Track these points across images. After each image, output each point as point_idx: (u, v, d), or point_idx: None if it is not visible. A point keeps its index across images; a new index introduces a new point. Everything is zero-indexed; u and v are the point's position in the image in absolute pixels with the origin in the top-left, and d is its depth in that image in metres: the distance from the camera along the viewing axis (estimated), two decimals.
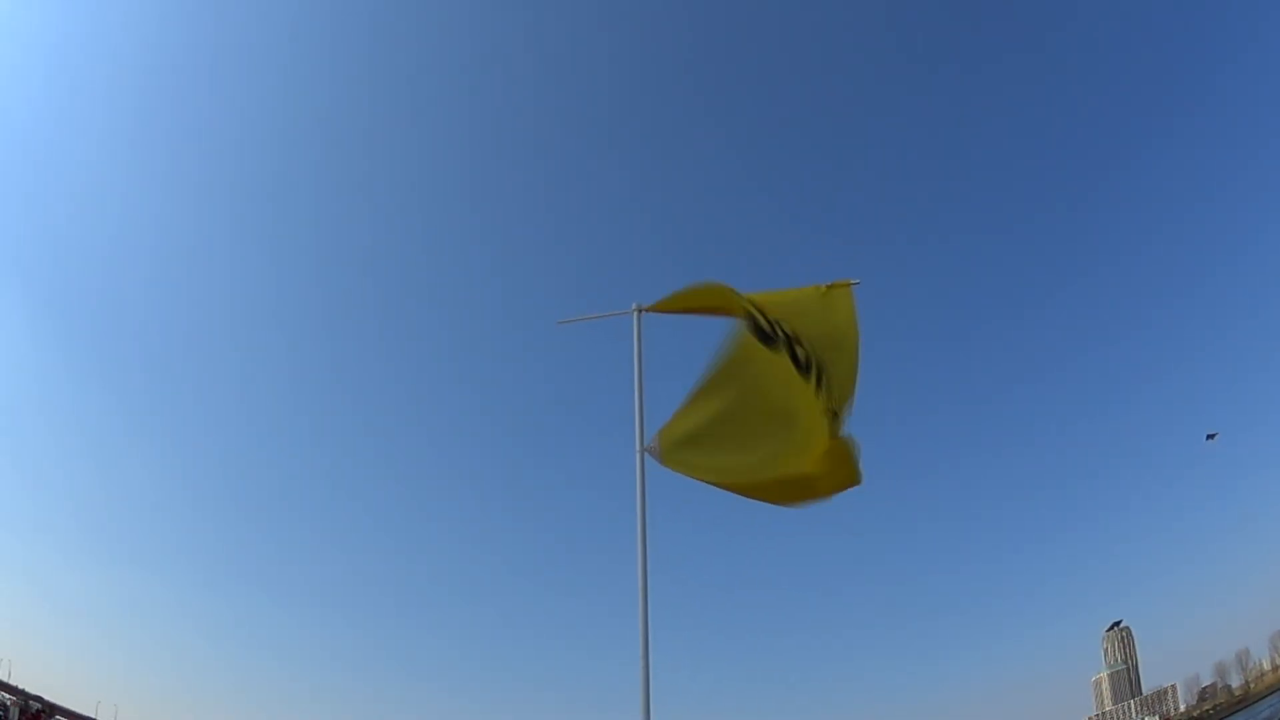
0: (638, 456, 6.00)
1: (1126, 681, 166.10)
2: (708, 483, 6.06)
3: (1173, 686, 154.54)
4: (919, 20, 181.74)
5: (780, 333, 6.02)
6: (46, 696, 67.79)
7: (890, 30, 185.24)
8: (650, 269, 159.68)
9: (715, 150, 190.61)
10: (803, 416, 5.99)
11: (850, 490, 6.02)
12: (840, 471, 5.98)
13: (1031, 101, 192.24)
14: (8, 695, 62.70)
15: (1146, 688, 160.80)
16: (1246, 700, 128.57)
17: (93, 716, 72.56)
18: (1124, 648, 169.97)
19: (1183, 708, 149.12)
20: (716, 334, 6.19)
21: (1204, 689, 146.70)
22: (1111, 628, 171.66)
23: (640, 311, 6.36)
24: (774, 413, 6.02)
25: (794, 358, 6.03)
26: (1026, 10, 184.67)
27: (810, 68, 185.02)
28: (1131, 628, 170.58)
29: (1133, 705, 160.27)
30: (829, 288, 6.25)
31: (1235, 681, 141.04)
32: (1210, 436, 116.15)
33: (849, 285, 6.24)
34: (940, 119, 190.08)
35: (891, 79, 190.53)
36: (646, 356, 6.31)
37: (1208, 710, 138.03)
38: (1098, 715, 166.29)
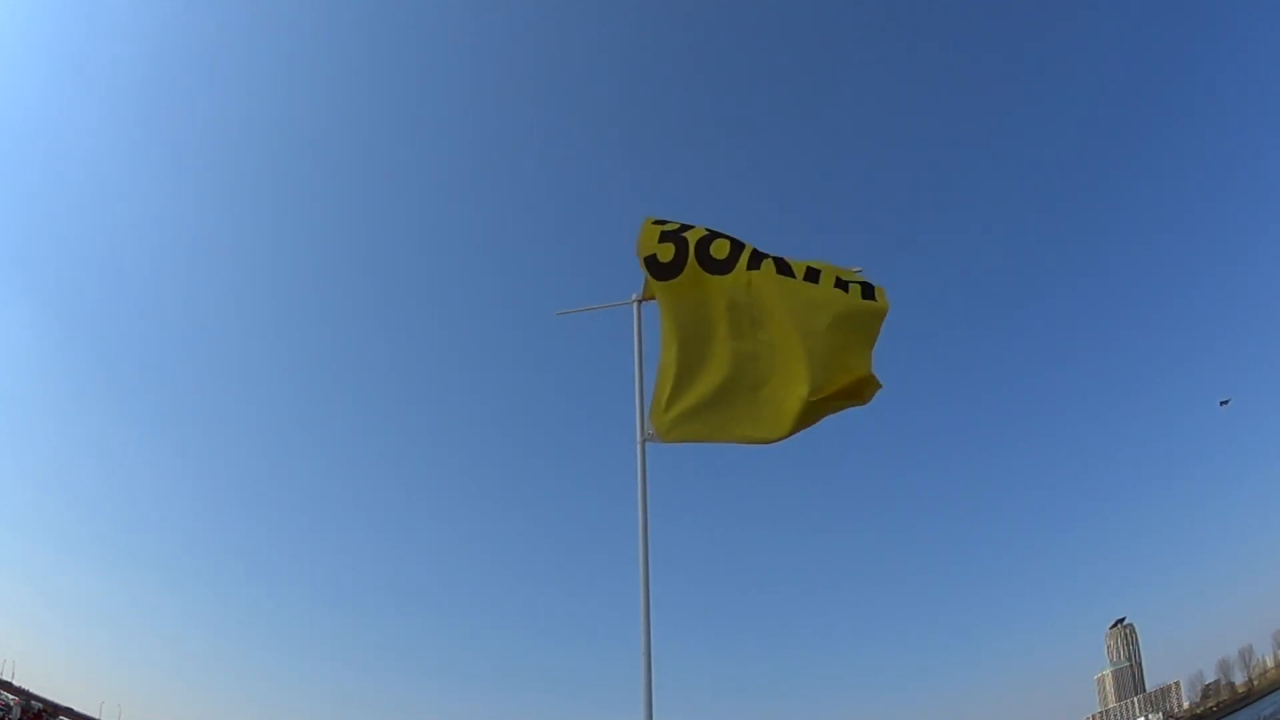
0: (638, 448, 5.96)
1: (1130, 679, 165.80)
2: (712, 441, 5.93)
3: (1176, 684, 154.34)
4: (922, 22, 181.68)
5: (738, 252, 5.83)
6: (49, 697, 67.92)
7: (894, 31, 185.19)
8: None
9: (716, 141, 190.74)
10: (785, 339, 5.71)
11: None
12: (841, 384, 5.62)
13: (1033, 99, 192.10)
14: (11, 695, 62.77)
15: (1150, 685, 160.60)
16: (1250, 697, 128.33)
17: (95, 717, 72.69)
18: (1127, 645, 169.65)
19: (1186, 705, 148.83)
20: None
21: (1207, 686, 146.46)
22: (1114, 625, 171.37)
23: (640, 302, 6.32)
24: (752, 348, 5.82)
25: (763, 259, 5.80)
26: (1027, 9, 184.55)
27: (814, 63, 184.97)
28: (1135, 625, 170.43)
29: (1136, 702, 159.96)
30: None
31: (1238, 679, 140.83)
32: (1223, 403, 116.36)
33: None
34: (946, 116, 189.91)
35: (894, 78, 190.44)
36: (647, 347, 6.27)
37: (1211, 708, 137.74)
38: (1101, 713, 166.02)
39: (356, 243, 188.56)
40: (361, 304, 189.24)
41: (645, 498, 5.87)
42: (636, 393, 6.08)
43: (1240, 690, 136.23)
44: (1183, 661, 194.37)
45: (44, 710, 65.64)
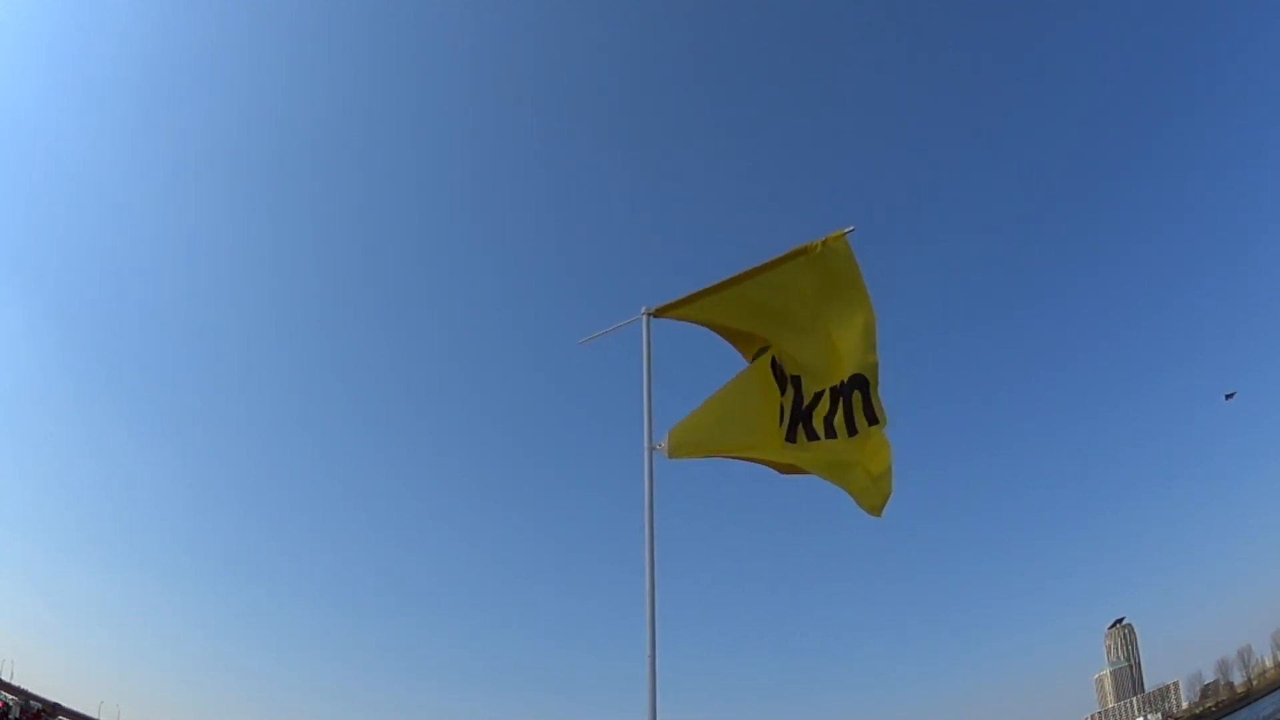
0: (646, 455, 5.96)
1: (1129, 679, 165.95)
2: (710, 456, 6.19)
3: (1175, 684, 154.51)
4: (922, 22, 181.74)
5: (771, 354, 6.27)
6: (48, 696, 67.80)
7: (894, 31, 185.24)
8: (657, 269, 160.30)
9: (716, 141, 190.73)
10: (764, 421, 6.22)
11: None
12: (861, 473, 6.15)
13: (1033, 99, 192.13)
14: (10, 695, 62.66)
15: (1149, 685, 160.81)
16: (1249, 697, 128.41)
17: (94, 716, 72.60)
18: (1126, 645, 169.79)
19: (1185, 705, 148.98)
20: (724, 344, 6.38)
21: (1206, 686, 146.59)
22: (1114, 625, 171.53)
23: (648, 315, 6.34)
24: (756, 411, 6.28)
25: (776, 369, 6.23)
26: (1027, 9, 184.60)
27: (814, 63, 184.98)
28: (1134, 625, 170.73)
29: (1135, 702, 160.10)
30: (823, 244, 5.94)
31: (1237, 679, 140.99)
32: (1229, 396, 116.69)
33: (842, 237, 5.92)
34: (945, 117, 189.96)
35: (894, 78, 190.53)
36: (655, 356, 6.29)
37: (1210, 707, 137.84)
38: (1100, 713, 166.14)
39: (356, 244, 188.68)
40: (362, 305, 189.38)
41: (652, 504, 5.87)
42: (645, 401, 6.08)
43: (1239, 690, 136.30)
44: (1182, 661, 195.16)
45: (43, 710, 65.51)
